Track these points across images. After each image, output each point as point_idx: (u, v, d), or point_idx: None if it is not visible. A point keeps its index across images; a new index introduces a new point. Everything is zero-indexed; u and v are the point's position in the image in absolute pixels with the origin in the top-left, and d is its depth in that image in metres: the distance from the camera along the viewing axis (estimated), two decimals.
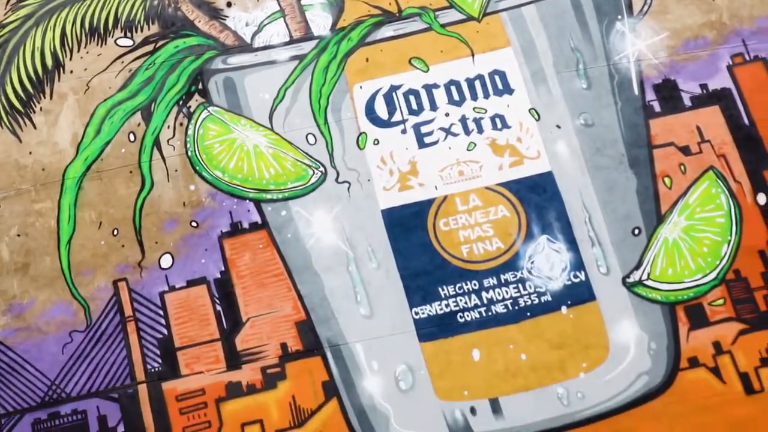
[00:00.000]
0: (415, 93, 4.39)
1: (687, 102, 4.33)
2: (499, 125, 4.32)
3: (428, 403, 3.96)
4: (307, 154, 4.31)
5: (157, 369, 4.06)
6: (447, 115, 4.35)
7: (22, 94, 4.49)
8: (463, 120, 4.34)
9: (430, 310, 4.07)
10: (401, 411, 3.96)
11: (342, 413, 3.96)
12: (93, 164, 4.36)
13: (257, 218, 4.23)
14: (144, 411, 4.00)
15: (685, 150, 4.25)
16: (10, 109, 4.48)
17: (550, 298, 4.06)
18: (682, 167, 4.22)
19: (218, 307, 4.12)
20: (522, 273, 4.10)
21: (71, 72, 4.53)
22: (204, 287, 4.15)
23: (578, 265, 4.10)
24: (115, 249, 4.21)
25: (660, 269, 4.07)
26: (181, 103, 4.43)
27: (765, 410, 3.88)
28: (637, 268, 4.08)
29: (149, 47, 4.56)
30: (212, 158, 4.32)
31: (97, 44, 4.58)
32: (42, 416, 4.02)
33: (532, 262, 4.11)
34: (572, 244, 4.13)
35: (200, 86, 4.45)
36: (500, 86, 4.38)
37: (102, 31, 4.60)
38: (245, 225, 4.23)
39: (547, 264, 4.11)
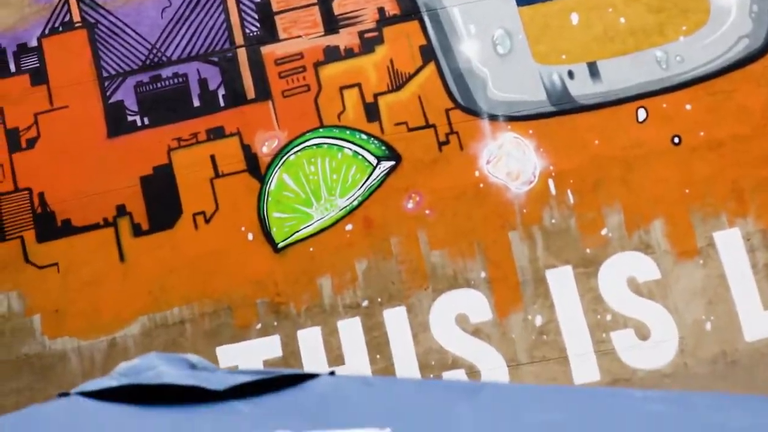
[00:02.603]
0: None
1: None
2: None
3: (526, 67, 3.96)
4: None
5: (255, 33, 4.07)
6: None
7: None
8: None
9: None
10: (499, 75, 3.96)
11: (439, 76, 3.98)
12: None
13: None
14: (244, 74, 4.04)
15: None
16: None
17: None
18: None
19: None
20: None
21: None
22: None
23: None
24: None
25: None
26: None
27: None
28: None
29: None
30: None
31: None
32: (144, 79, 4.07)
33: None
34: None
35: None
36: None
37: None
38: None
39: None
